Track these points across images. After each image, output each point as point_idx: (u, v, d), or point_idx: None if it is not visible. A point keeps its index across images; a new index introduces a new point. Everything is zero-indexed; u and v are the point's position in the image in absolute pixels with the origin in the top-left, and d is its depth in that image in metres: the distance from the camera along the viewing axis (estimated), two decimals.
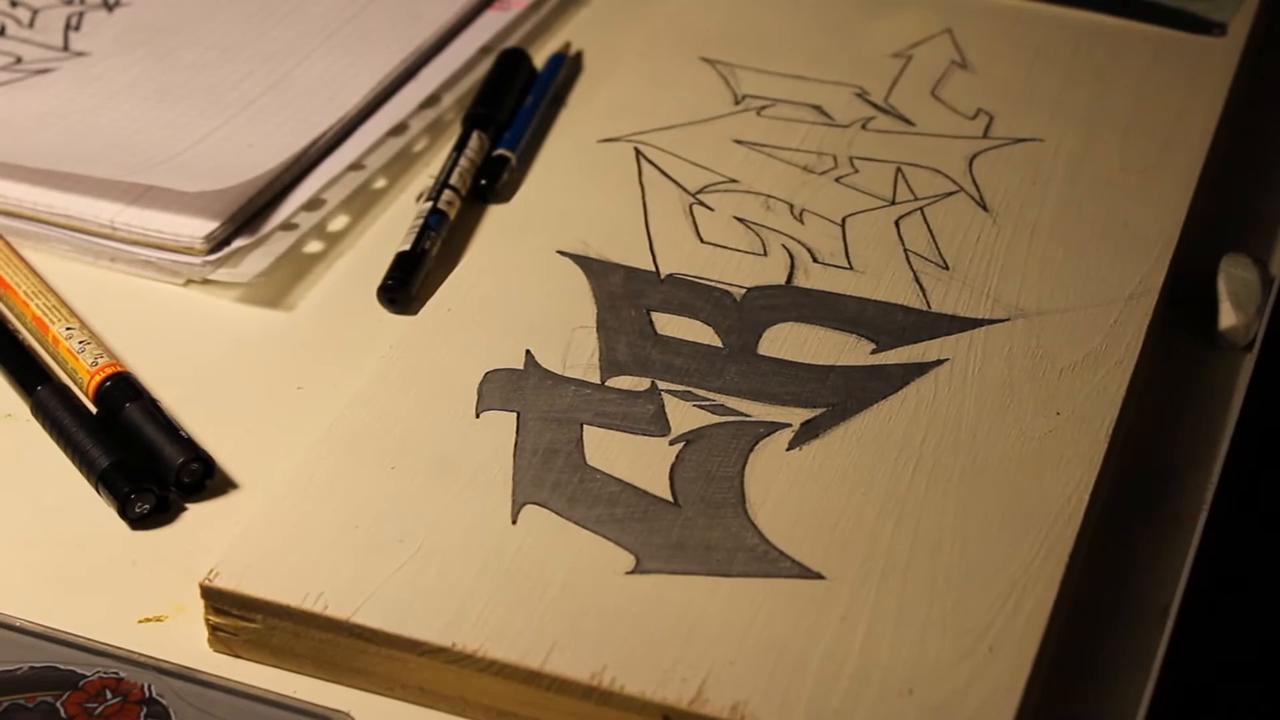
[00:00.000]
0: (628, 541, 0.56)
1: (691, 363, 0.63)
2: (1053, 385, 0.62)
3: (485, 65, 0.83)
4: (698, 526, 0.57)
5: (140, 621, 0.57)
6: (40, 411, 0.64)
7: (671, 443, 0.60)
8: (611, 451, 0.60)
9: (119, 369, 0.65)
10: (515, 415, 0.61)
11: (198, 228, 0.71)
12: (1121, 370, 0.63)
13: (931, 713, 0.52)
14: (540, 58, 0.84)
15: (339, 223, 0.75)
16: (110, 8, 0.86)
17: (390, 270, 0.71)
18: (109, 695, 0.54)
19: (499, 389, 0.62)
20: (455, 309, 0.66)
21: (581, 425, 0.61)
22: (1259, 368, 0.67)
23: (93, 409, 0.64)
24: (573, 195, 0.72)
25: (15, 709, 0.53)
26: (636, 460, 0.59)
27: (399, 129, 0.79)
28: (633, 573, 0.55)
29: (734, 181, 0.73)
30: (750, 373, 0.63)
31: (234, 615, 0.55)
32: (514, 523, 0.57)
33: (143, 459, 0.62)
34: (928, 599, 0.55)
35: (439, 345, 0.64)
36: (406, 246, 0.71)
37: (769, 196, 0.72)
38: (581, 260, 0.68)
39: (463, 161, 0.76)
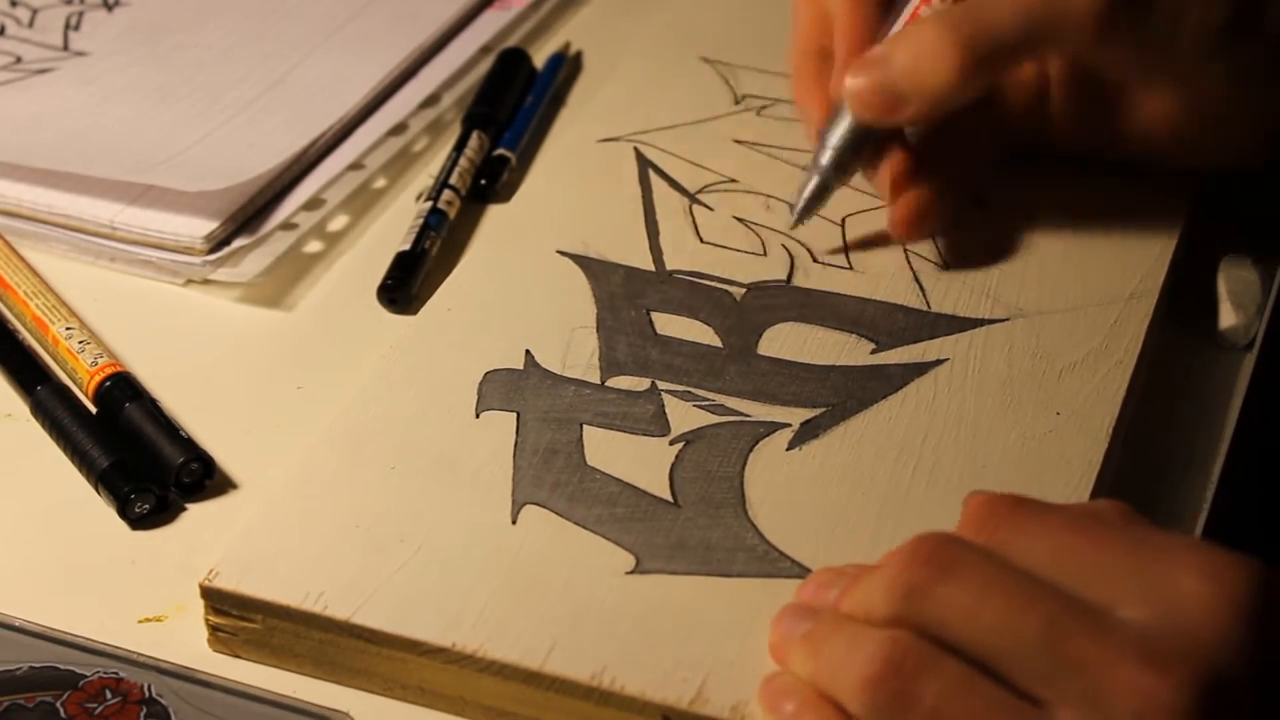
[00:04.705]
0: (628, 541, 0.56)
1: (691, 363, 0.63)
2: (1053, 385, 0.62)
3: (485, 65, 0.83)
4: (698, 526, 0.57)
5: (140, 621, 0.57)
6: (40, 411, 0.64)
7: (671, 443, 0.60)
8: (611, 451, 0.60)
9: (119, 369, 0.65)
10: (515, 415, 0.61)
11: (198, 227, 0.71)
12: (1121, 370, 0.63)
13: None
14: (540, 58, 0.84)
15: (339, 222, 0.75)
16: (110, 8, 0.86)
17: (390, 270, 0.71)
18: (109, 695, 0.54)
19: (499, 389, 0.62)
20: (455, 309, 0.66)
21: (581, 425, 0.61)
22: (1259, 368, 0.67)
23: (92, 409, 0.64)
24: (573, 195, 0.72)
25: (15, 709, 0.53)
26: (636, 460, 0.59)
27: (399, 129, 0.79)
28: (633, 573, 0.55)
29: (734, 181, 0.73)
30: (750, 373, 0.63)
31: (234, 615, 0.55)
32: (514, 523, 0.57)
33: (142, 459, 0.62)
34: None
35: (439, 345, 0.64)
36: (406, 246, 0.71)
37: (769, 196, 0.72)
38: (581, 260, 0.68)
39: (462, 161, 0.76)
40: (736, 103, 0.77)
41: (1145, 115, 0.69)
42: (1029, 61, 0.68)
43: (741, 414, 0.61)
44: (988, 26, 0.64)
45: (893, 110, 0.65)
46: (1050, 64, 0.69)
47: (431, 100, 0.81)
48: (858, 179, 0.69)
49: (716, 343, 0.64)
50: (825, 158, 0.67)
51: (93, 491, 0.62)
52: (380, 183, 0.77)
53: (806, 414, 0.61)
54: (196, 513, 0.61)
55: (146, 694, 0.54)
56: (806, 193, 0.68)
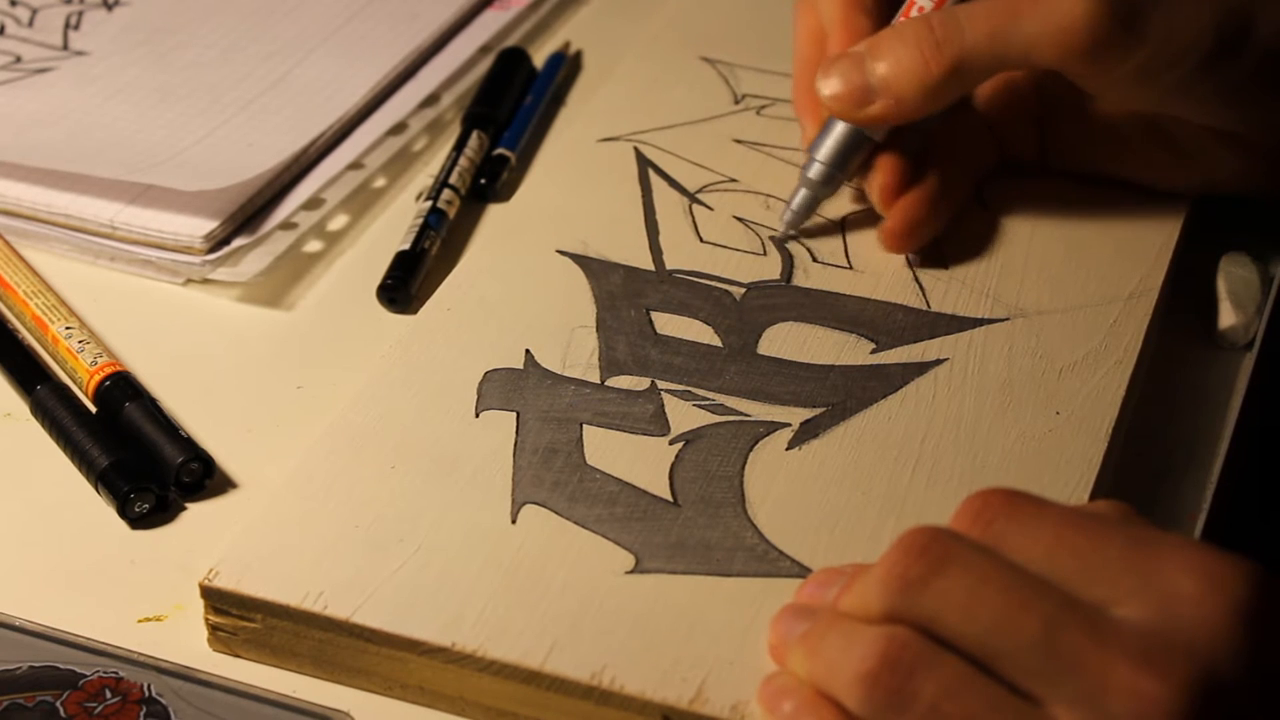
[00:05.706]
0: (628, 541, 0.56)
1: (691, 362, 0.63)
2: (1053, 385, 0.62)
3: (485, 65, 0.83)
4: (697, 526, 0.57)
5: (139, 621, 0.57)
6: (39, 411, 0.64)
7: (671, 442, 0.60)
8: (611, 451, 0.60)
9: (118, 368, 0.65)
10: (515, 415, 0.61)
11: (197, 227, 0.71)
12: (1121, 370, 0.63)
13: None
14: (540, 57, 0.84)
15: (339, 222, 0.75)
16: (110, 7, 0.86)
17: (390, 269, 0.71)
18: (108, 695, 0.54)
19: (499, 389, 0.62)
20: (455, 308, 0.66)
21: (581, 425, 0.61)
22: (1259, 367, 0.67)
23: (92, 408, 0.64)
24: (572, 195, 0.72)
25: (15, 708, 0.53)
26: (636, 460, 0.59)
27: (398, 128, 0.79)
28: (633, 572, 0.55)
29: (733, 181, 0.73)
30: (750, 372, 0.63)
31: (233, 615, 0.55)
32: (514, 523, 0.57)
33: (142, 458, 0.62)
34: None
35: (439, 345, 0.64)
36: (406, 246, 0.71)
37: (769, 196, 0.72)
38: (581, 260, 0.68)
39: (462, 161, 0.76)
40: (736, 102, 0.77)
41: (1138, 134, 0.69)
42: (1010, 72, 0.68)
43: (741, 414, 0.61)
44: (961, 33, 0.64)
45: (860, 104, 0.66)
46: (1044, 86, 0.69)
47: (431, 100, 0.81)
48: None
49: (716, 342, 0.64)
50: (812, 170, 0.68)
51: (92, 491, 0.62)
52: (380, 182, 0.77)
53: (806, 414, 0.61)
54: (196, 512, 0.61)
55: (146, 693, 0.54)
56: (794, 205, 0.69)
